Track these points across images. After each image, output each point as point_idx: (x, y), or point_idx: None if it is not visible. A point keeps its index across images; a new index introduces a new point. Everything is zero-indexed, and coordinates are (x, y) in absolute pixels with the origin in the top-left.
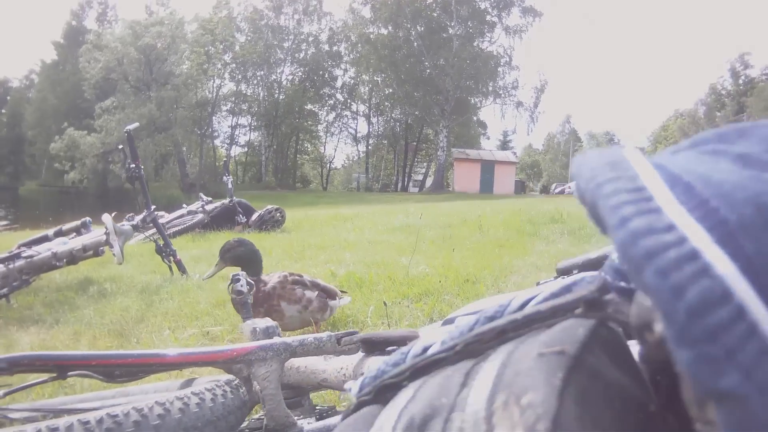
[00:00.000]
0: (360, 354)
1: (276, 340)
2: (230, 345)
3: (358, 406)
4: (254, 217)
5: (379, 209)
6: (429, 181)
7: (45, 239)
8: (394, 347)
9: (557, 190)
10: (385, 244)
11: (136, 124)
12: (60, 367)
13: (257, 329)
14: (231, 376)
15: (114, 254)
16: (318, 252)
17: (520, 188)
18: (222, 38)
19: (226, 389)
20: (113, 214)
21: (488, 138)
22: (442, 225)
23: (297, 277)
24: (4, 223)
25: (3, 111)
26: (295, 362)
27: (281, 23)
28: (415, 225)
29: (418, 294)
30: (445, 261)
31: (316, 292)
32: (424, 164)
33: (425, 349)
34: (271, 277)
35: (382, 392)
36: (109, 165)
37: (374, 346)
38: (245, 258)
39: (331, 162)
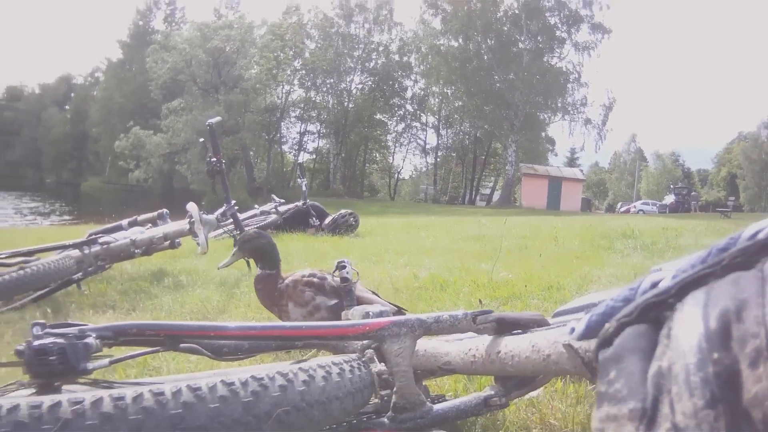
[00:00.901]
0: (486, 336)
1: (410, 316)
2: (363, 320)
3: (620, 327)
4: (328, 220)
5: (449, 220)
6: (496, 195)
7: (119, 228)
8: (519, 331)
9: (623, 209)
10: (461, 251)
11: (219, 118)
12: (171, 338)
13: (370, 314)
14: (354, 355)
15: (198, 243)
16: (396, 256)
17: (587, 206)
18: (292, 44)
19: (353, 365)
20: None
21: (556, 155)
22: (516, 236)
23: (315, 280)
24: (67, 218)
25: (67, 107)
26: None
27: (351, 32)
28: (488, 235)
29: (504, 297)
30: (525, 268)
31: (334, 301)
32: (492, 178)
33: (654, 285)
34: (294, 273)
35: (644, 312)
36: (175, 165)
37: (507, 326)
38: (263, 251)
39: (399, 172)
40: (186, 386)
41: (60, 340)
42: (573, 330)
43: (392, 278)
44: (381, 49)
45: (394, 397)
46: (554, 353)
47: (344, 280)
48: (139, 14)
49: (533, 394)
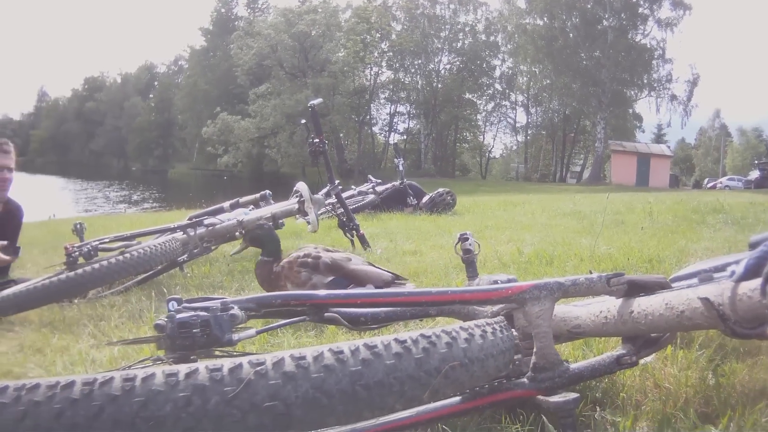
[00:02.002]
0: (614, 299)
1: (549, 279)
2: (505, 284)
3: None
4: (425, 199)
5: (542, 197)
6: (586, 173)
7: (220, 211)
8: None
9: (709, 185)
10: (559, 227)
11: (320, 100)
12: (316, 307)
13: (498, 282)
14: (494, 319)
15: (309, 222)
16: (497, 232)
17: (675, 182)
18: (378, 26)
19: (495, 328)
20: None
21: (643, 131)
22: (611, 211)
23: (309, 260)
24: (156, 204)
25: (151, 96)
26: None
27: (437, 13)
28: (584, 211)
29: (609, 270)
30: (623, 242)
31: (330, 278)
32: (582, 156)
33: None
34: (290, 254)
35: None
36: (264, 149)
37: (637, 288)
38: (262, 240)
39: (490, 151)
40: (363, 344)
41: (203, 313)
42: (734, 273)
43: (498, 254)
44: (467, 29)
45: (534, 357)
46: (688, 309)
47: (467, 251)
48: (221, 2)
49: (648, 359)
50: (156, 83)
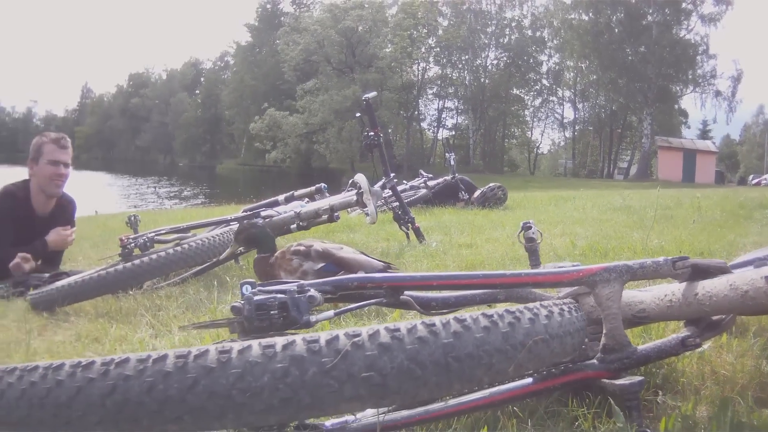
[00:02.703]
0: (677, 284)
1: (618, 262)
2: (576, 266)
3: None
4: (477, 194)
5: (591, 193)
6: (633, 169)
7: (275, 204)
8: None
9: (754, 182)
10: (610, 221)
11: (374, 93)
12: (393, 289)
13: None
14: (566, 299)
15: (368, 213)
16: (550, 226)
17: (720, 179)
18: (425, 22)
19: (570, 307)
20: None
21: (689, 127)
22: (660, 206)
23: (301, 248)
24: (205, 199)
25: (197, 92)
26: None
27: (483, 8)
28: (633, 206)
29: None
30: (674, 236)
31: (320, 264)
32: (628, 152)
33: None
34: (281, 249)
35: None
36: (312, 145)
37: (700, 271)
38: (256, 238)
39: (537, 147)
40: (453, 318)
41: (281, 295)
42: None
43: (552, 246)
44: (513, 24)
45: (603, 338)
46: (752, 289)
47: (529, 240)
48: None
49: (704, 347)
50: (202, 79)
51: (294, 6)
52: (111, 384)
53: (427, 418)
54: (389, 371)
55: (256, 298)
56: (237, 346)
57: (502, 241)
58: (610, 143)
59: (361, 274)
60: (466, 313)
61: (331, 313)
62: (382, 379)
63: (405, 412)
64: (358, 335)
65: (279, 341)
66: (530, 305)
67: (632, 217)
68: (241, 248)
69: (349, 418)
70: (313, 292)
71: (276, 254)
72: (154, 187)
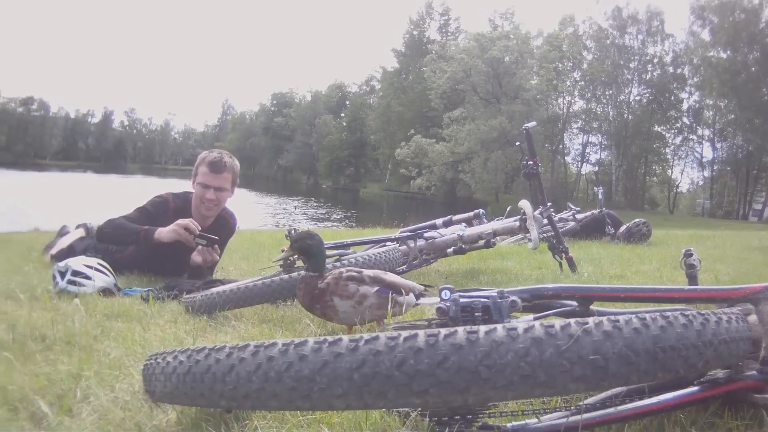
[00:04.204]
0: None
1: None
2: (740, 285)
3: None
4: (622, 229)
5: (729, 233)
6: (767, 211)
7: (433, 227)
8: None
9: None
10: (748, 260)
11: (534, 123)
12: (584, 299)
13: None
14: (734, 309)
15: (530, 239)
16: None
17: None
18: (569, 55)
19: (732, 317)
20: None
21: None
22: None
23: (354, 274)
24: (352, 223)
25: (342, 115)
26: None
27: (626, 43)
28: None
29: None
30: None
31: (375, 288)
32: (763, 193)
33: None
34: (329, 274)
35: None
36: (458, 174)
37: None
38: (310, 251)
39: (677, 186)
40: (659, 314)
41: (484, 299)
42: None
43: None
44: (655, 60)
45: (763, 351)
46: None
47: (690, 266)
48: (412, 24)
49: None
50: (347, 102)
51: (440, 33)
52: (360, 358)
53: (606, 421)
54: (611, 356)
55: (462, 300)
56: (483, 327)
57: (650, 274)
58: (746, 184)
59: (556, 284)
60: (668, 311)
61: (530, 317)
62: (605, 362)
63: (586, 415)
64: (587, 323)
65: (520, 325)
66: (709, 311)
67: None
68: (294, 255)
69: (530, 420)
70: (515, 297)
71: (327, 279)
72: (301, 209)
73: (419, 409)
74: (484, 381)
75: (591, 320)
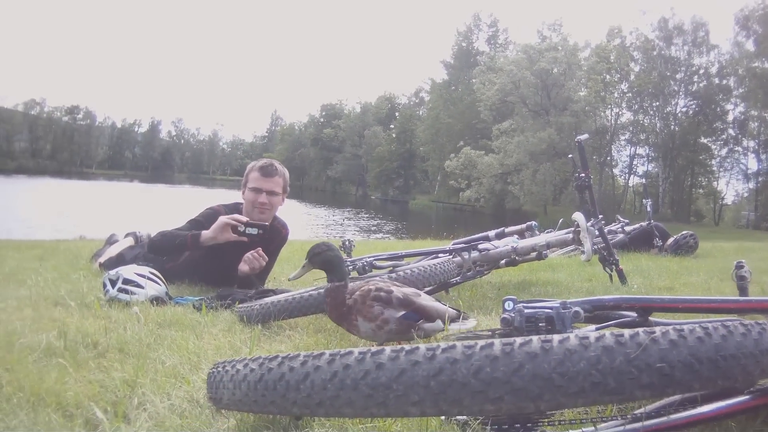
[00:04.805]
0: None
1: None
2: None
3: None
4: (670, 241)
5: None
6: None
7: (486, 239)
8: None
9: None
10: None
11: (586, 136)
12: (644, 309)
13: None
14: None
15: (584, 251)
16: None
17: None
18: (617, 66)
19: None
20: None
21: None
22: None
23: (382, 294)
24: (403, 234)
25: (392, 126)
26: None
27: (672, 54)
28: None
29: None
30: None
31: (401, 312)
32: None
33: None
34: (361, 286)
35: None
36: (507, 186)
37: None
38: (332, 263)
39: (722, 198)
40: (720, 324)
41: (548, 310)
42: None
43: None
44: (701, 71)
45: None
46: None
47: (741, 278)
48: (461, 36)
49: None
50: (396, 114)
51: (489, 45)
52: (438, 366)
53: (664, 429)
54: (676, 364)
55: (526, 310)
56: (557, 336)
57: (698, 286)
58: None
59: (616, 295)
60: (729, 321)
61: (592, 327)
62: (671, 370)
63: (647, 422)
64: (654, 332)
65: (592, 334)
66: (764, 321)
67: None
68: (312, 269)
69: (587, 429)
70: (578, 308)
71: (355, 296)
72: (352, 220)
73: (488, 416)
74: (557, 388)
75: (658, 329)
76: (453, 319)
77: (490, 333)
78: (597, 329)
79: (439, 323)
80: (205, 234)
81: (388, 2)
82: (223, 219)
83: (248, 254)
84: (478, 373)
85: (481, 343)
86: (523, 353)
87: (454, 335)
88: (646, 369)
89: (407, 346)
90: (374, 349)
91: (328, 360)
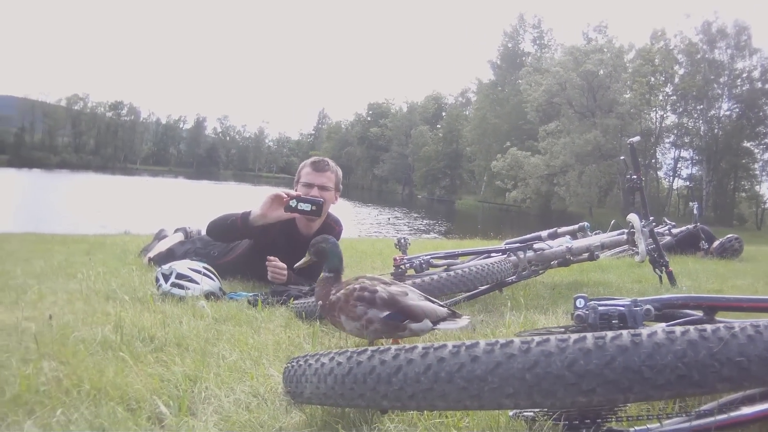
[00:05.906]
0: None
1: None
2: None
3: None
4: (716, 244)
5: None
6: None
7: (538, 239)
8: None
9: None
10: None
11: (638, 138)
12: (710, 308)
13: None
14: None
15: (638, 252)
16: None
17: None
18: (662, 69)
19: None
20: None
21: None
22: None
23: (366, 294)
24: (452, 235)
25: (438, 126)
26: None
27: (716, 57)
28: None
29: None
30: None
31: (386, 312)
32: None
33: None
34: (348, 283)
35: None
36: (553, 187)
37: None
38: (325, 253)
39: (765, 202)
40: (749, 324)
41: (621, 307)
42: None
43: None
44: (744, 75)
45: None
46: None
47: None
48: (507, 36)
49: None
50: (443, 114)
51: (535, 46)
52: (533, 359)
53: (725, 425)
54: (753, 358)
55: (600, 308)
56: (645, 330)
57: (745, 289)
58: None
59: (684, 294)
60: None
61: (662, 325)
62: (749, 364)
63: (702, 420)
64: (733, 327)
65: (677, 329)
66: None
67: None
68: (314, 259)
69: (653, 425)
70: (648, 305)
71: (339, 294)
72: (402, 220)
73: (560, 412)
74: (646, 380)
75: (737, 324)
76: (443, 318)
77: (563, 329)
78: (667, 326)
79: (427, 323)
80: (254, 212)
81: (435, 2)
82: (271, 192)
83: (269, 266)
84: (572, 365)
85: (574, 336)
86: (614, 346)
87: (527, 332)
88: (727, 362)
89: (502, 340)
90: (468, 342)
91: (421, 353)
